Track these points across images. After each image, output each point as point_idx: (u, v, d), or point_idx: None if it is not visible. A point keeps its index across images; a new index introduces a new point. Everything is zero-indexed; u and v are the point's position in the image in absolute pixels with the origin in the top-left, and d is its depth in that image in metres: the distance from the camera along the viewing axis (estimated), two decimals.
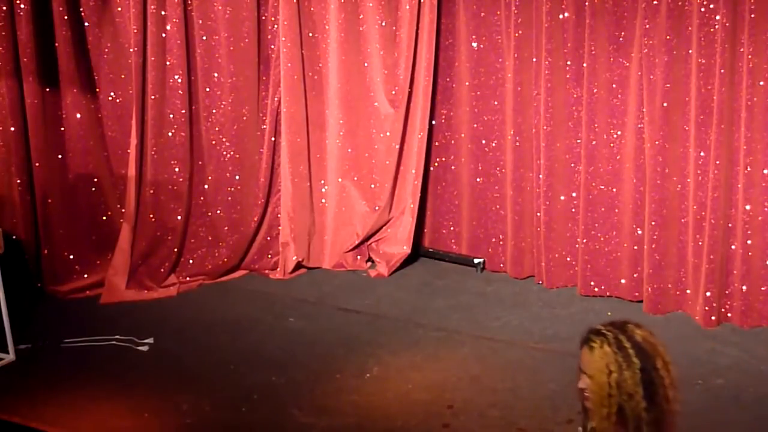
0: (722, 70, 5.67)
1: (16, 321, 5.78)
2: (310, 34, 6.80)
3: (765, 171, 5.78)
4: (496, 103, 6.71)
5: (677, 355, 5.59)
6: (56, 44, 6.41)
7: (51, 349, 5.82)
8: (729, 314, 6.02)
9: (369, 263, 7.16)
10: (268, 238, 7.04)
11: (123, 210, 6.72)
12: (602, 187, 6.30)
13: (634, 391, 2.67)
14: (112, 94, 6.68)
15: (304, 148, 6.95)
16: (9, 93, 6.31)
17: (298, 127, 6.89)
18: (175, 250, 6.74)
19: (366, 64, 6.88)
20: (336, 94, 6.93)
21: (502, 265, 6.95)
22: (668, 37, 5.82)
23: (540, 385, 5.27)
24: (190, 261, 6.84)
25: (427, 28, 6.66)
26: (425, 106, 6.82)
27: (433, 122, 7.00)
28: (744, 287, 5.93)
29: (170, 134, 6.61)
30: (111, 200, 6.80)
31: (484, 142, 6.84)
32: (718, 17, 5.63)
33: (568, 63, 6.25)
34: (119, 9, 6.53)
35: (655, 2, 5.83)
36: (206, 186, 6.85)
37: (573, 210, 6.48)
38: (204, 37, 6.62)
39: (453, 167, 7.04)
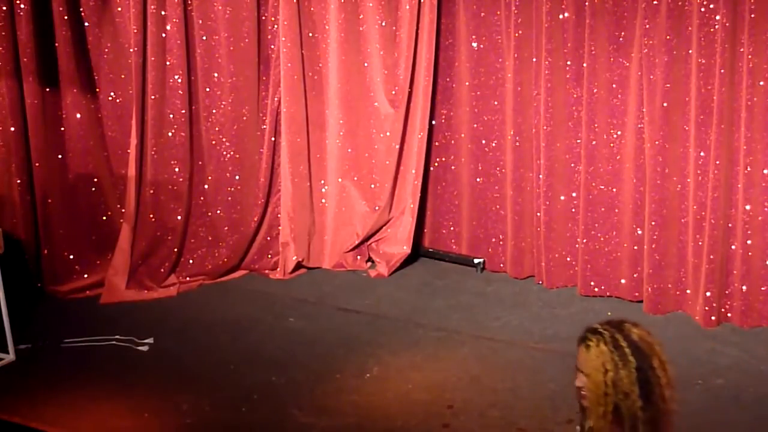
0: (722, 70, 5.67)
1: (16, 321, 5.78)
2: (310, 34, 6.80)
3: (765, 171, 5.79)
4: (496, 103, 6.71)
5: (677, 355, 5.59)
6: (56, 44, 6.41)
7: (51, 349, 5.82)
8: (729, 314, 6.02)
9: (369, 263, 7.16)
10: (268, 238, 7.04)
11: (123, 210, 6.72)
12: (602, 187, 6.30)
13: (630, 390, 2.67)
14: (112, 94, 6.68)
15: (304, 148, 6.95)
16: (9, 93, 6.31)
17: (298, 127, 6.89)
18: (175, 250, 6.74)
19: (366, 64, 6.88)
20: (336, 94, 6.93)
21: (502, 265, 6.95)
22: (668, 37, 5.82)
23: (540, 385, 5.27)
24: (190, 261, 6.84)
25: (427, 28, 6.66)
26: (425, 106, 6.82)
27: (433, 122, 7.00)
28: (744, 287, 5.93)
29: (170, 134, 6.61)
30: (111, 200, 6.80)
31: (484, 142, 6.84)
32: (718, 17, 5.63)
33: (568, 63, 6.25)
34: (119, 9, 6.53)
35: (655, 2, 5.83)
36: (206, 186, 6.85)
37: (573, 210, 6.48)
38: (204, 37, 6.62)
39: (453, 167, 7.04)
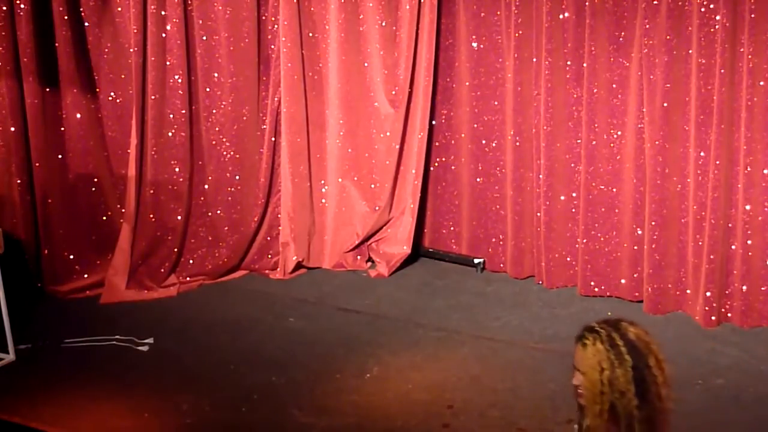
0: (722, 70, 5.67)
1: (16, 321, 5.78)
2: (310, 34, 6.80)
3: (765, 171, 5.78)
4: (496, 103, 6.71)
5: (677, 355, 5.60)
6: (56, 44, 6.41)
7: (51, 349, 5.82)
8: (729, 314, 6.02)
9: (369, 263, 7.16)
10: (268, 238, 7.04)
11: (123, 210, 6.72)
12: (602, 187, 6.30)
13: (626, 389, 2.68)
14: (112, 94, 6.68)
15: (304, 148, 6.95)
16: (9, 93, 6.31)
17: (298, 127, 6.89)
18: (175, 250, 6.74)
19: (366, 64, 6.88)
20: (336, 94, 6.93)
21: (502, 265, 6.95)
22: (668, 37, 5.82)
23: (540, 385, 5.27)
24: (190, 261, 6.84)
25: (427, 28, 6.67)
26: (425, 106, 6.82)
27: (434, 122, 7.00)
28: (744, 287, 5.93)
29: (170, 134, 6.61)
30: (111, 200, 6.80)
31: (484, 142, 6.84)
32: (718, 17, 5.63)
33: (568, 63, 6.25)
34: (119, 9, 6.53)
35: (655, 2, 5.83)
36: (206, 186, 6.85)
37: (573, 210, 6.48)
38: (204, 37, 6.62)
39: (453, 167, 7.04)
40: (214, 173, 6.85)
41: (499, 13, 6.51)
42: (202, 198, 6.85)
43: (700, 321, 5.99)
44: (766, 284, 5.90)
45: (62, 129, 6.59)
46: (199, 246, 6.87)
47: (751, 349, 5.69)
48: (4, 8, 6.19)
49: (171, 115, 6.58)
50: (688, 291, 6.12)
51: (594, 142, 6.25)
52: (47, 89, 6.45)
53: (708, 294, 5.93)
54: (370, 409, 5.09)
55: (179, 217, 6.72)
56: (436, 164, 7.12)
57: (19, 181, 6.43)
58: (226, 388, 5.32)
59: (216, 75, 6.70)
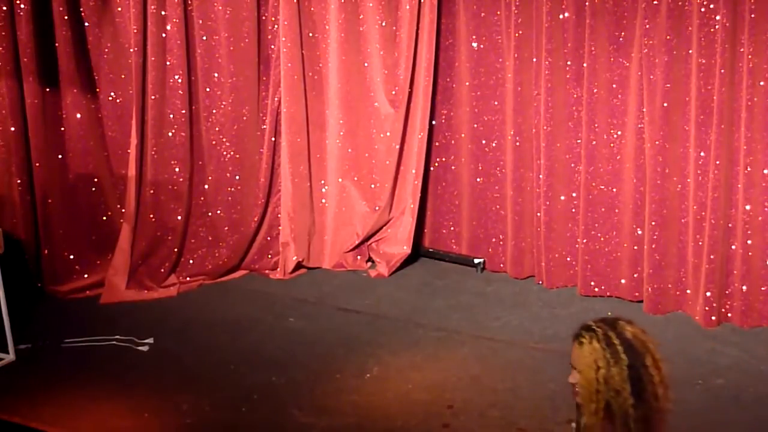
0: (722, 70, 5.67)
1: (16, 321, 5.78)
2: (310, 34, 6.81)
3: (765, 171, 5.79)
4: (496, 103, 6.71)
5: (677, 355, 5.60)
6: (56, 44, 6.41)
7: (51, 349, 5.82)
8: (729, 314, 6.02)
9: (369, 263, 7.16)
10: (268, 238, 7.04)
11: (123, 210, 6.72)
12: (602, 187, 6.30)
13: (622, 388, 2.68)
14: (112, 94, 6.68)
15: (304, 148, 6.95)
16: (9, 93, 6.31)
17: (299, 127, 6.89)
18: (175, 250, 6.74)
19: (366, 64, 6.88)
20: (336, 94, 6.93)
21: (502, 265, 6.95)
22: (668, 37, 5.82)
23: (540, 385, 5.27)
24: (190, 261, 6.84)
25: (427, 28, 6.66)
26: (425, 106, 6.82)
27: (434, 122, 7.00)
28: (744, 287, 5.93)
29: (170, 134, 6.61)
30: (111, 200, 6.80)
31: (484, 142, 6.84)
32: (718, 17, 5.63)
33: (568, 63, 6.25)
34: (119, 9, 6.53)
35: (655, 2, 5.83)
36: (206, 186, 6.85)
37: (573, 210, 6.48)
38: (204, 37, 6.62)
39: (453, 167, 7.04)
40: (214, 173, 6.85)
41: (499, 13, 6.51)
42: (202, 198, 6.85)
43: (700, 321, 5.99)
44: (766, 284, 5.90)
45: (62, 129, 6.59)
46: (199, 246, 6.87)
47: (751, 349, 5.69)
48: (4, 8, 6.19)
49: (171, 115, 6.58)
50: (688, 291, 6.12)
51: (594, 142, 6.25)
52: (47, 89, 6.45)
53: (708, 294, 5.93)
54: (370, 409, 5.09)
55: (179, 217, 6.72)
56: (436, 164, 7.12)
57: (19, 181, 6.43)
58: (226, 388, 5.32)
59: (216, 75, 6.70)
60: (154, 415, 5.05)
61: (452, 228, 7.17)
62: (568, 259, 6.55)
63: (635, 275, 6.29)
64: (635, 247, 6.25)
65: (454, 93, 6.89)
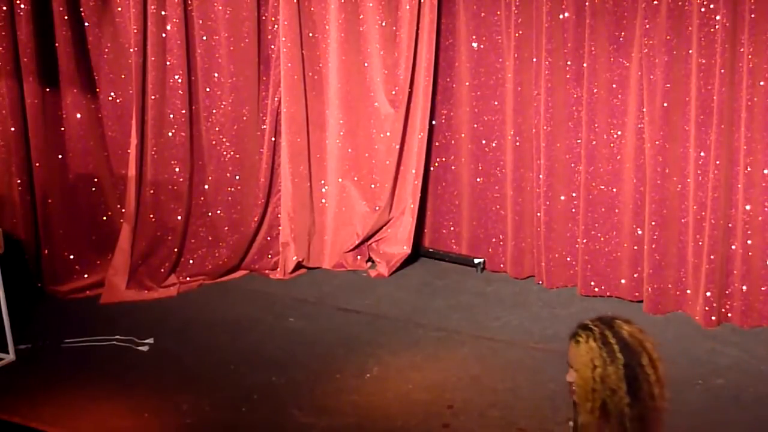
0: (722, 70, 5.67)
1: (16, 321, 5.77)
2: (310, 34, 6.81)
3: (765, 171, 5.78)
4: (496, 103, 6.72)
5: (677, 355, 5.60)
6: (56, 44, 6.41)
7: (51, 349, 5.82)
8: (729, 314, 6.02)
9: (369, 263, 7.16)
10: (268, 238, 7.04)
11: (123, 210, 6.72)
12: (602, 187, 6.30)
13: (618, 387, 2.68)
14: (112, 94, 6.68)
15: (304, 148, 6.96)
16: (9, 93, 6.31)
17: (299, 127, 6.89)
18: (175, 250, 6.74)
19: (366, 64, 6.89)
20: (336, 94, 6.93)
21: (502, 265, 6.95)
22: (668, 37, 5.82)
23: (540, 385, 5.27)
24: (190, 261, 6.84)
25: (427, 28, 6.66)
26: (425, 106, 6.82)
27: (434, 122, 7.00)
28: (744, 287, 5.93)
29: (170, 134, 6.61)
30: (111, 200, 6.80)
31: (484, 142, 6.84)
32: (718, 17, 5.63)
33: (568, 63, 6.25)
34: (119, 9, 6.53)
35: (655, 2, 5.83)
36: (206, 186, 6.85)
37: (573, 210, 6.48)
38: (204, 37, 6.62)
39: (453, 167, 7.04)
40: (214, 173, 6.85)
41: (499, 13, 6.51)
42: (202, 198, 6.85)
43: (700, 321, 5.99)
44: (766, 284, 5.90)
45: (62, 129, 6.59)
46: (199, 246, 6.87)
47: (751, 349, 5.69)
48: (4, 8, 6.19)
49: (171, 115, 6.58)
50: (688, 291, 6.12)
51: (594, 142, 6.25)
52: (47, 89, 6.45)
53: (708, 294, 5.93)
54: (370, 409, 5.09)
55: (179, 217, 6.72)
56: (436, 164, 7.12)
57: (19, 181, 6.43)
58: (226, 388, 5.32)
59: (216, 75, 6.70)
60: (154, 415, 5.05)
61: (452, 228, 7.17)
62: (568, 259, 6.55)
63: (635, 275, 6.29)
64: (635, 247, 6.25)
65: (454, 93, 6.89)
